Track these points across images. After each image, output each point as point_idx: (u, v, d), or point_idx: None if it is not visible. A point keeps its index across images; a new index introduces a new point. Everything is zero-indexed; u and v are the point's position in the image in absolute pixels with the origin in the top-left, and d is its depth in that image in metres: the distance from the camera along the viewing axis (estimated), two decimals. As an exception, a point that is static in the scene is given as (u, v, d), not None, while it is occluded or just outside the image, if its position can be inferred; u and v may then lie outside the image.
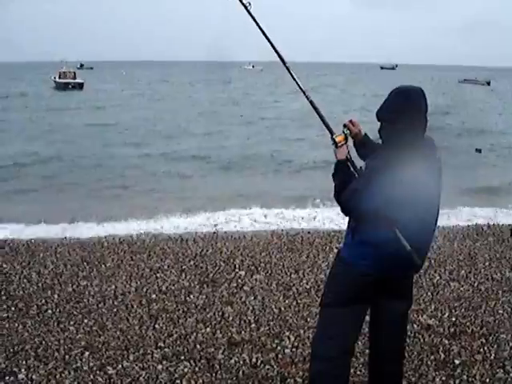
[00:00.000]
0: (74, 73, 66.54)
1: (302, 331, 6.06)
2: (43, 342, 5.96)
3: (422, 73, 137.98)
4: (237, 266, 8.80)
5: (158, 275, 8.42)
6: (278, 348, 5.67)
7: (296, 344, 5.76)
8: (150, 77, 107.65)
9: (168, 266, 8.85)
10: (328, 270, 8.55)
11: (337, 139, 3.82)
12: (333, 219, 12.46)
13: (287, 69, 4.12)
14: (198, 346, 5.71)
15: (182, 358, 5.49)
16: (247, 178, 19.91)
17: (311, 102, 4.07)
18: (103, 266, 8.95)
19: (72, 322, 6.60)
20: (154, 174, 19.84)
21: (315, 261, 9.02)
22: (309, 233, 11.20)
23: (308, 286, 7.75)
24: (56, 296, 7.56)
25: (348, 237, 3.92)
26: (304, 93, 4.08)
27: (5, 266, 9.04)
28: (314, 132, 25.62)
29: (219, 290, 7.65)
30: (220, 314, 6.72)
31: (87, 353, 5.69)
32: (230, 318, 6.56)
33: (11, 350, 5.76)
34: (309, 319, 6.44)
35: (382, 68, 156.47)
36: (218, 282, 8.06)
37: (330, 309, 4.01)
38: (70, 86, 62.67)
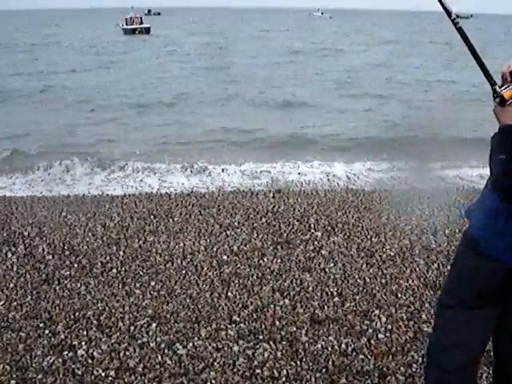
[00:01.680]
0: (141, 18, 65.71)
1: (393, 310, 5.18)
2: (106, 308, 5.31)
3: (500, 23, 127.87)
4: (312, 225, 7.94)
5: (228, 233, 7.67)
6: (369, 331, 4.83)
7: (389, 327, 4.89)
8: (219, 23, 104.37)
9: (238, 223, 8.07)
10: (411, 234, 7.76)
11: (505, 94, 2.61)
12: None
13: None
14: (278, 323, 4.92)
15: (261, 337, 4.72)
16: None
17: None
18: (171, 220, 8.25)
19: (138, 285, 5.92)
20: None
21: (396, 223, 8.04)
22: (386, 191, 10.18)
23: (392, 253, 6.83)
24: (121, 253, 6.91)
25: (494, 221, 2.90)
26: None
27: (69, 217, 8.45)
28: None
29: (295, 253, 6.83)
30: (298, 282, 5.91)
31: (154, 324, 4.99)
32: (310, 289, 5.74)
33: (72, 317, 5.12)
34: (399, 295, 5.53)
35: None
36: (292, 243, 7.24)
37: (456, 311, 3.07)
38: (137, 32, 62.04)
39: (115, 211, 8.78)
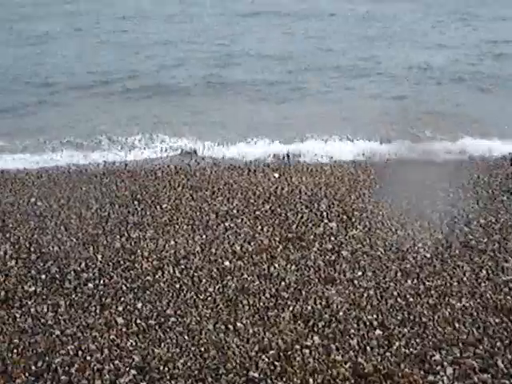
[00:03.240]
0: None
1: (457, 352, 3.82)
2: (79, 353, 3.89)
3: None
4: (324, 213, 6.56)
5: (226, 224, 6.26)
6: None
7: (460, 379, 3.52)
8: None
9: (238, 211, 6.66)
10: (441, 225, 6.38)
11: None
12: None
13: None
14: (311, 381, 3.52)
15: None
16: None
17: None
18: (158, 207, 6.80)
19: (121, 308, 4.54)
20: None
21: (422, 210, 6.65)
22: (400, 164, 8.75)
23: (427, 255, 5.49)
24: (100, 257, 5.50)
25: None
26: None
27: (40, 204, 6.96)
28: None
29: (310, 255, 5.46)
30: (324, 303, 4.52)
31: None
32: (341, 314, 4.37)
33: (33, 368, 3.71)
34: (457, 325, 4.17)
35: None
36: (305, 239, 5.86)
37: None
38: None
39: (93, 195, 7.30)
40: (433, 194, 7.25)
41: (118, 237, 5.99)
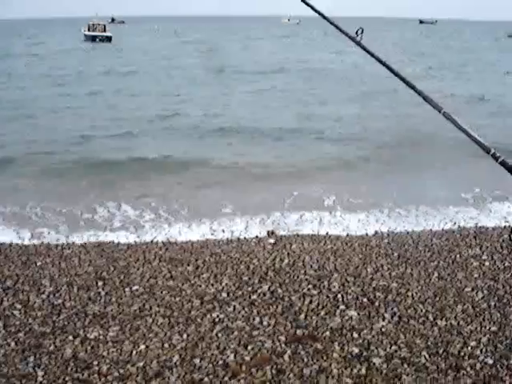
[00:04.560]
0: (104, 26, 61.15)
1: None
2: None
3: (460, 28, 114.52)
4: (338, 295, 5.01)
5: (214, 316, 4.69)
6: None
7: None
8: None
9: (229, 294, 5.07)
10: (493, 312, 4.79)
11: None
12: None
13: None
14: None
15: None
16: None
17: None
18: (127, 290, 5.20)
19: None
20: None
21: (459, 287, 5.15)
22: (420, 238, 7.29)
23: (490, 361, 3.91)
24: (41, 374, 3.83)
25: None
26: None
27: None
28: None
29: (331, 367, 3.87)
30: None
31: None
32: None
33: None
34: None
35: (421, 22, 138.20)
36: (319, 337, 4.28)
37: None
38: (98, 40, 57.58)
39: (48, 274, 5.67)
40: (465, 262, 5.76)
41: (71, 338, 4.37)
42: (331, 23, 2.86)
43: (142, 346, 4.22)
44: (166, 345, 4.23)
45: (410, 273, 5.56)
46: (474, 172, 9.35)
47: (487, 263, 5.78)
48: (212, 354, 4.06)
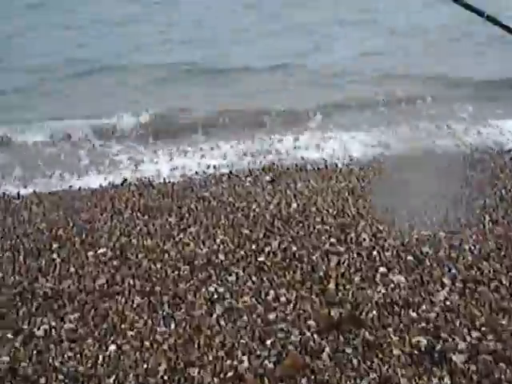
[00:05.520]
0: None
1: None
2: None
3: None
4: (374, 253, 3.67)
5: (210, 289, 3.33)
6: None
7: None
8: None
9: (227, 255, 3.79)
10: None
11: None
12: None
13: None
14: None
15: None
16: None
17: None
18: (91, 252, 3.83)
19: None
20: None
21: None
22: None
23: None
24: None
25: None
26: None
27: None
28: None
29: (394, 364, 2.51)
30: None
31: None
32: None
33: None
34: None
35: None
36: (363, 318, 2.95)
37: None
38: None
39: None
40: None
41: (10, 336, 2.98)
42: None
43: (112, 347, 2.84)
44: (147, 343, 2.86)
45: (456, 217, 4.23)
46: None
47: None
48: (215, 358, 2.70)
